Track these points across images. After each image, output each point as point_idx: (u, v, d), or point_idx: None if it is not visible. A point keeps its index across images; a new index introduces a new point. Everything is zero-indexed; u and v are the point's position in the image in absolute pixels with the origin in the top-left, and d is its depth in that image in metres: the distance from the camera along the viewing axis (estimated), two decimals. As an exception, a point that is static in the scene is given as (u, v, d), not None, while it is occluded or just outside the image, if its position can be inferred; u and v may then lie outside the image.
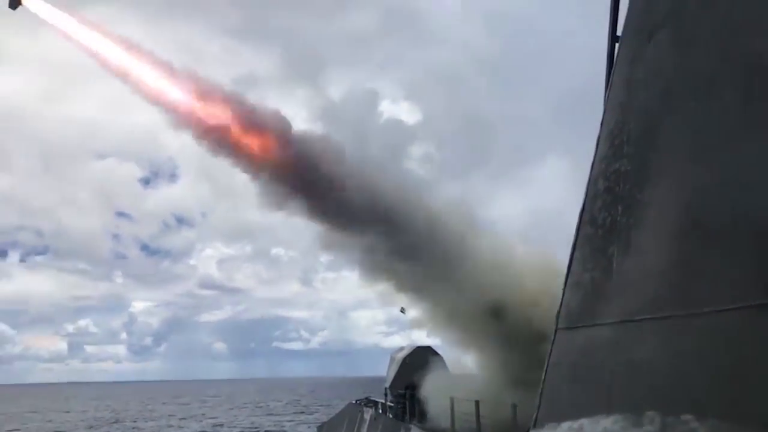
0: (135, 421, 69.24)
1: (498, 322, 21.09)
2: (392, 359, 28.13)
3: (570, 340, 5.86)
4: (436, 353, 26.40)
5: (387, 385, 27.46)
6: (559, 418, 5.24)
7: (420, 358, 25.58)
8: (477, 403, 16.85)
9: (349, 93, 23.09)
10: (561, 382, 5.83)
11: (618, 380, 4.87)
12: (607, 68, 7.14)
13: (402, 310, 26.65)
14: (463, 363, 24.63)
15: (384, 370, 29.14)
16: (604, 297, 5.41)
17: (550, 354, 6.10)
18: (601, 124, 6.36)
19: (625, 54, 6.22)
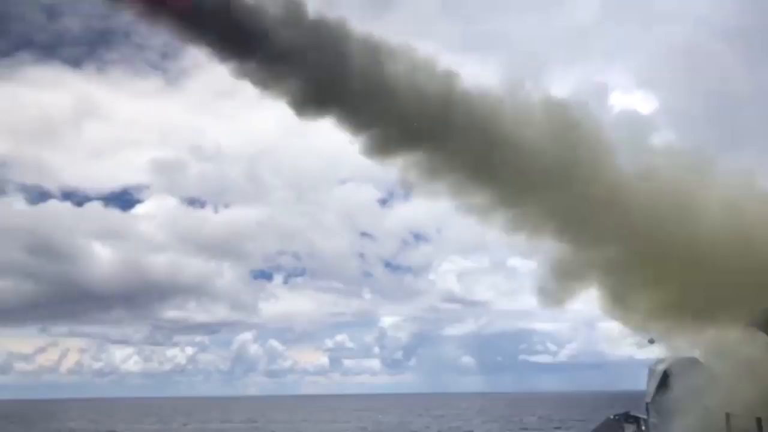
0: (394, 433, 72.68)
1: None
2: (651, 372, 25.97)
3: None
4: (701, 363, 23.74)
5: (647, 400, 25.55)
6: None
7: (683, 370, 23.14)
8: (758, 420, 14.68)
9: (575, 89, 21.85)
10: None
11: None
12: None
13: (651, 341, 24.48)
14: (735, 373, 21.75)
15: (641, 384, 27.15)
16: None
17: None
18: None
19: None
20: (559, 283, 21.63)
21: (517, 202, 21.20)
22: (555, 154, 20.12)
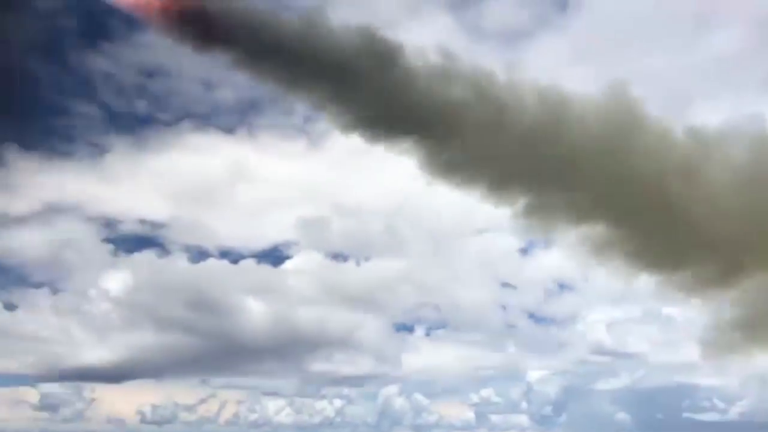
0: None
1: None
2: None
3: None
4: None
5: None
6: None
7: None
8: None
9: (727, 122, 20.39)
10: None
11: None
12: None
13: None
14: None
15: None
16: None
17: None
18: None
19: None
20: (731, 337, 19.48)
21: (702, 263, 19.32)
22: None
